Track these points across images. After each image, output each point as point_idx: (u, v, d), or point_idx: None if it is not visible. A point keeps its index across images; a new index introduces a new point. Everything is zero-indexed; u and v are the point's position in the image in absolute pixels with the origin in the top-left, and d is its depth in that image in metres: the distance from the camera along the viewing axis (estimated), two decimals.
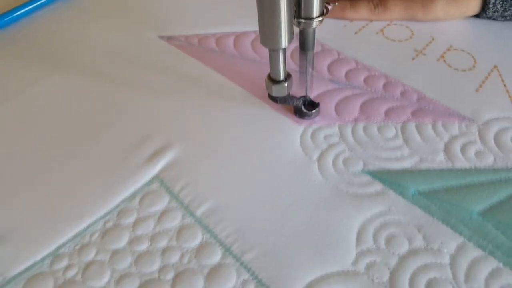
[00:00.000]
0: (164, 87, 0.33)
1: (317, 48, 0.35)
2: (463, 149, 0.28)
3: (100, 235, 0.25)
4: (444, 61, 0.34)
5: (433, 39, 0.36)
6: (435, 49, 0.35)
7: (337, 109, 0.30)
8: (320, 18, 0.24)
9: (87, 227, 0.25)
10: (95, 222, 0.25)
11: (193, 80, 0.34)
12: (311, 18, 0.24)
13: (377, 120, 0.30)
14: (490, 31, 0.36)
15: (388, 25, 0.37)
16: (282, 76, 0.26)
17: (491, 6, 0.35)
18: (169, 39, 0.38)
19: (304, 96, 0.29)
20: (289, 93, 0.28)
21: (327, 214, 0.25)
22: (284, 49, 0.25)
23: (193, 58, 0.36)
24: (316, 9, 0.24)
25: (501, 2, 0.34)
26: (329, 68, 0.34)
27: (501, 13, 0.35)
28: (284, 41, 0.23)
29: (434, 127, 0.29)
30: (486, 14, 0.36)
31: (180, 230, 0.25)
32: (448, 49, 0.35)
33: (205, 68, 0.35)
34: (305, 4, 0.23)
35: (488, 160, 0.27)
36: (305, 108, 0.29)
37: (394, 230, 0.24)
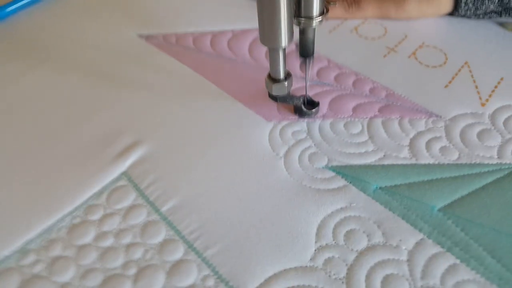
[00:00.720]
0: (140, 84, 0.34)
1: (291, 47, 0.36)
2: (428, 145, 0.28)
3: (67, 231, 0.25)
4: (416, 58, 0.34)
5: (406, 36, 0.36)
6: (407, 46, 0.35)
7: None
8: (320, 18, 0.24)
9: (55, 223, 0.26)
10: (62, 218, 0.26)
11: (168, 77, 0.34)
12: (311, 17, 0.24)
13: (344, 117, 0.30)
14: (463, 28, 0.36)
15: (362, 23, 0.38)
16: (282, 75, 0.27)
17: (463, 4, 0.35)
18: (147, 37, 0.38)
19: (304, 95, 0.30)
20: (289, 92, 0.28)
21: (289, 209, 0.25)
22: (284, 48, 0.25)
23: (170, 56, 0.36)
24: (316, 9, 0.24)
25: (473, 1, 0.34)
26: (301, 66, 0.34)
27: (474, 11, 0.35)
28: (284, 40, 0.23)
29: (400, 123, 0.29)
30: (458, 12, 0.36)
31: (145, 227, 0.25)
32: (420, 46, 0.35)
33: (181, 66, 0.35)
34: (305, 3, 0.23)
35: (453, 156, 0.28)
36: (305, 107, 0.30)
37: (354, 226, 0.25)
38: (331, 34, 0.37)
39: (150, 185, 0.27)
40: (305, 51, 0.26)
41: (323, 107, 0.31)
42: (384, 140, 0.29)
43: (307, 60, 0.27)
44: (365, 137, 0.29)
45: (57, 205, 0.26)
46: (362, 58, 0.34)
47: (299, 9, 0.24)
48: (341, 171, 0.27)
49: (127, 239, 0.25)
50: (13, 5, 0.42)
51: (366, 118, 0.30)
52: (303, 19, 0.24)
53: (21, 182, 0.28)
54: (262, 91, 0.32)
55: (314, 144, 0.28)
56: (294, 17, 0.24)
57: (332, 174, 0.27)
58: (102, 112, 0.32)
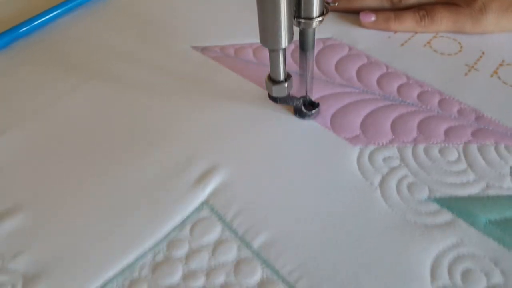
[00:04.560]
0: (204, 102, 0.31)
1: (362, 60, 0.34)
2: None
3: (150, 268, 0.23)
4: (498, 77, 0.32)
5: (483, 53, 0.34)
6: (487, 64, 0.33)
7: (393, 127, 0.29)
8: (320, 18, 0.24)
9: (136, 260, 0.23)
10: (143, 254, 0.23)
11: (233, 93, 0.32)
12: (311, 18, 0.24)
13: (437, 141, 0.28)
14: None
15: (434, 37, 0.36)
16: (282, 77, 0.26)
17: None
18: (203, 49, 0.36)
19: (304, 96, 0.29)
20: (289, 94, 0.28)
21: (397, 247, 0.23)
22: (284, 49, 0.25)
23: (230, 70, 0.34)
24: (316, 9, 0.23)
25: None
26: (379, 82, 0.32)
27: None
28: (284, 41, 0.23)
29: (497, 149, 0.27)
30: None
31: (237, 264, 0.23)
32: (501, 64, 0.33)
33: (244, 80, 0.33)
34: (305, 4, 0.23)
35: None
36: (305, 108, 0.29)
37: (469, 264, 0.22)
38: (403, 47, 0.35)
39: (235, 216, 0.25)
40: (306, 46, 0.26)
41: (412, 130, 0.28)
42: (484, 168, 0.26)
43: (307, 54, 0.26)
44: (463, 165, 0.27)
45: (136, 239, 0.24)
46: (442, 76, 0.32)
47: (299, 10, 0.24)
48: (445, 203, 0.25)
49: (220, 279, 0.22)
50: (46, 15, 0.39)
51: (460, 143, 0.28)
52: (303, 20, 0.24)
53: (95, 213, 0.25)
54: (342, 110, 0.30)
55: (411, 173, 0.26)
56: (294, 18, 0.24)
57: (437, 207, 0.25)
58: (168, 134, 0.29)
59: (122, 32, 0.38)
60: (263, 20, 0.22)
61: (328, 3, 0.25)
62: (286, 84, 0.27)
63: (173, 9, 0.41)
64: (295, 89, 0.28)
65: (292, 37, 0.24)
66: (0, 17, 0.41)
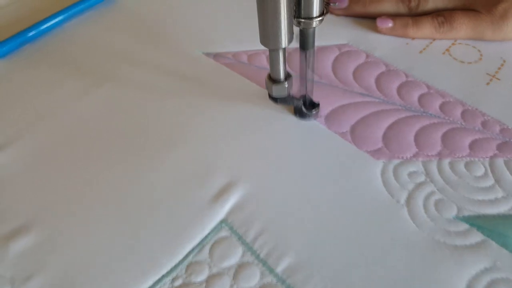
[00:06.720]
0: (217, 111, 0.30)
1: (381, 68, 0.32)
2: None
3: None
4: None
5: (504, 61, 0.33)
6: (508, 73, 0.32)
7: (416, 140, 0.28)
8: (320, 18, 0.24)
9: (153, 285, 0.22)
10: (161, 279, 0.22)
11: (247, 101, 0.30)
12: (311, 18, 0.24)
13: (463, 155, 0.27)
14: None
15: (453, 44, 0.34)
16: (282, 76, 0.26)
17: None
18: (215, 56, 0.34)
19: (304, 96, 0.29)
20: (289, 93, 0.27)
21: (427, 270, 0.22)
22: (284, 49, 0.24)
23: (244, 77, 0.32)
24: (316, 9, 0.23)
25: None
26: (399, 91, 0.31)
27: None
28: (284, 41, 0.23)
29: None
30: None
31: None
32: None
33: (259, 89, 0.31)
34: (305, 3, 0.23)
35: None
36: (305, 108, 0.29)
37: None
38: (422, 54, 0.34)
39: (257, 237, 0.23)
40: (306, 45, 0.26)
41: (436, 143, 0.27)
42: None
43: (307, 53, 0.26)
44: (490, 181, 0.26)
45: (152, 263, 0.22)
46: (463, 85, 0.31)
47: (299, 9, 0.23)
48: (475, 222, 0.24)
49: None
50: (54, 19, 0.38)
51: (487, 158, 0.27)
52: (303, 19, 0.24)
53: (107, 232, 0.24)
54: (363, 120, 0.29)
55: (438, 189, 0.25)
56: (294, 17, 0.24)
57: (466, 226, 0.24)
58: (183, 147, 0.28)
59: (131, 36, 0.37)
60: (263, 20, 0.22)
61: (328, 3, 0.25)
62: (286, 84, 0.26)
63: (182, 14, 0.39)
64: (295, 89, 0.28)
65: (292, 37, 0.24)
66: (8, 21, 0.39)
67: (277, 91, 0.27)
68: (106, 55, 0.35)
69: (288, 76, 0.26)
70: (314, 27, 0.24)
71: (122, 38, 0.37)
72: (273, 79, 0.26)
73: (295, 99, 0.28)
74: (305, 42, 0.25)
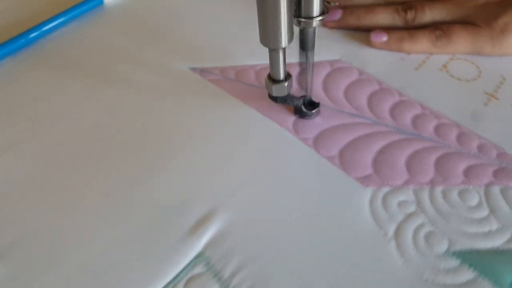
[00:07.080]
0: (200, 133, 0.29)
1: (374, 87, 0.31)
2: None
3: None
4: None
5: (504, 79, 0.31)
6: (508, 92, 0.31)
7: (408, 166, 0.26)
8: (320, 17, 0.24)
9: None
10: None
11: (235, 123, 0.29)
12: (311, 17, 0.24)
13: (456, 183, 0.25)
14: None
15: (451, 59, 0.33)
16: (282, 76, 0.26)
17: None
18: (202, 71, 0.33)
19: (304, 96, 0.29)
20: (289, 93, 0.28)
21: None
22: (284, 49, 0.25)
23: (230, 95, 0.31)
24: (316, 8, 0.23)
25: None
26: (392, 112, 0.29)
27: None
28: (284, 41, 0.23)
29: None
30: None
31: None
32: None
33: (248, 108, 0.30)
34: (305, 3, 0.23)
35: None
36: (305, 108, 0.29)
37: None
38: (417, 71, 0.32)
39: (235, 273, 0.22)
40: (306, 45, 0.26)
41: (429, 169, 0.26)
42: (507, 215, 0.24)
43: (308, 54, 0.26)
44: (485, 211, 0.24)
45: None
46: (460, 105, 0.30)
47: (299, 9, 0.24)
48: (467, 258, 0.22)
49: None
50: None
51: (481, 185, 0.25)
52: (303, 19, 0.24)
53: (79, 265, 0.23)
54: (353, 143, 0.27)
55: (429, 220, 0.24)
56: (294, 17, 0.24)
57: (457, 262, 0.22)
58: (160, 173, 0.27)
59: (131, 37, 0.36)
60: (263, 20, 0.23)
61: (328, 3, 0.25)
62: (286, 84, 0.26)
63: (171, 27, 0.38)
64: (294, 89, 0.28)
65: (292, 37, 0.24)
66: (8, 22, 0.39)
67: (277, 90, 0.27)
68: (90, 71, 0.34)
69: (288, 75, 0.27)
70: (315, 27, 0.25)
71: (123, 40, 0.36)
72: (273, 79, 0.27)
73: (295, 99, 0.28)
74: (305, 43, 0.26)
